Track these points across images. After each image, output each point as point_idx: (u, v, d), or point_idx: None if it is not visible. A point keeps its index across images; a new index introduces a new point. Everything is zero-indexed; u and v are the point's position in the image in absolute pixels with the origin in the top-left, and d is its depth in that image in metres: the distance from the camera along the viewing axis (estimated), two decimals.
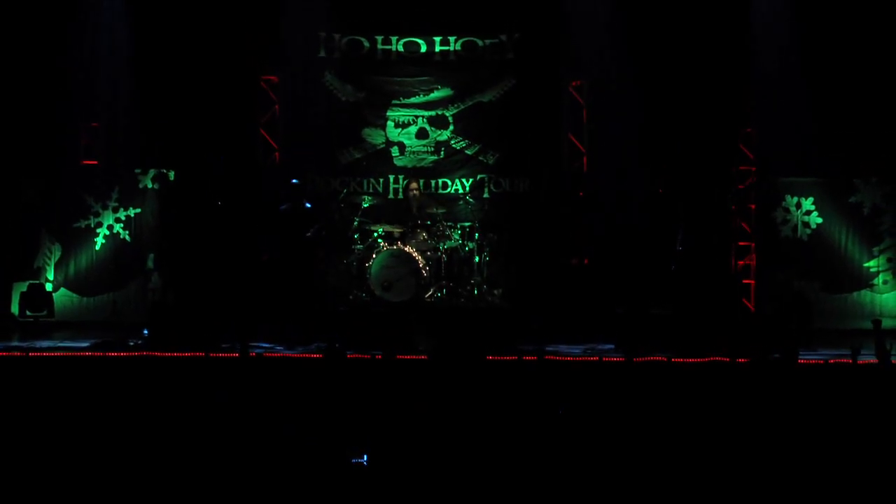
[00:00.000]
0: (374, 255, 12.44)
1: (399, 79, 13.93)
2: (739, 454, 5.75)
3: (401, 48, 13.87)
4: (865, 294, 13.26)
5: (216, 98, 13.10)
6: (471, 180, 13.88)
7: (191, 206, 13.11)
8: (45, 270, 13.38)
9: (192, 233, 13.02)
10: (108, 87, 13.36)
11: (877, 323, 9.48)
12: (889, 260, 13.25)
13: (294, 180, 12.17)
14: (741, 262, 13.58)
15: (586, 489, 5.42)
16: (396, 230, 12.86)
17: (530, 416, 6.25)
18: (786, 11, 13.08)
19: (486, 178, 13.84)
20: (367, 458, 5.48)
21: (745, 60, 13.18)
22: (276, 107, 13.88)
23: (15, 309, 12.99)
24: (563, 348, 11.20)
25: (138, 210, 13.51)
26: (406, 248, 12.47)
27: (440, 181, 13.91)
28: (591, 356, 10.66)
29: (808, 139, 12.95)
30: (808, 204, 13.36)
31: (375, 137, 13.95)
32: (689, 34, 12.99)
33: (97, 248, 13.47)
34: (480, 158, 13.93)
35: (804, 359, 9.59)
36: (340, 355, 8.45)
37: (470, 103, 13.91)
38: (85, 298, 13.45)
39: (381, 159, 13.92)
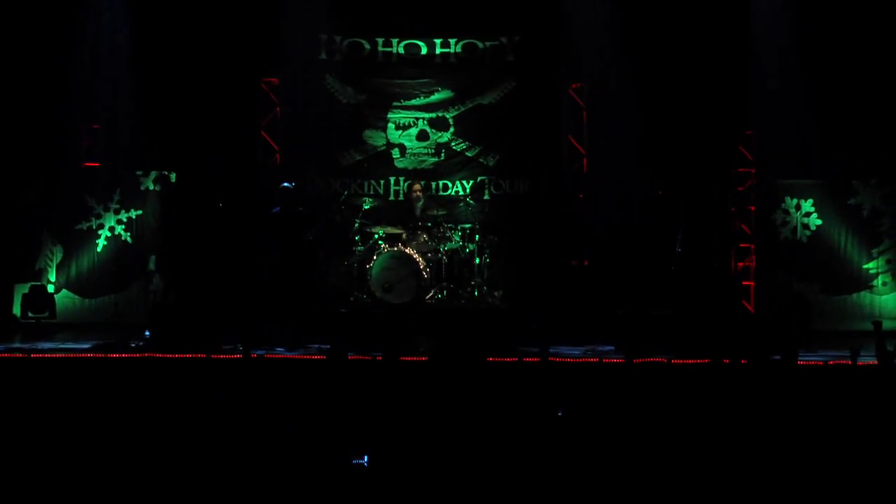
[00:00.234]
0: (374, 257, 12.46)
1: (400, 81, 13.93)
2: (740, 455, 5.76)
3: (401, 50, 13.88)
4: (865, 295, 13.26)
5: (217, 100, 13.11)
6: (471, 182, 13.89)
7: (192, 207, 13.15)
8: (47, 272, 13.41)
9: (194, 234, 13.05)
10: (108, 89, 13.37)
11: (877, 324, 9.45)
12: (888, 261, 13.25)
13: (285, 183, 11.94)
14: (741, 264, 13.58)
15: (587, 490, 5.44)
16: (397, 232, 12.87)
17: (530, 417, 6.26)
18: (786, 12, 13.07)
19: (486, 180, 13.86)
20: (368, 458, 5.50)
21: (745, 61, 13.17)
22: (277, 109, 13.89)
23: (17, 310, 13.02)
24: (564, 349, 11.20)
25: (139, 212, 13.54)
26: (407, 250, 12.48)
27: (441, 183, 13.92)
28: (591, 357, 10.67)
29: (807, 141, 12.94)
30: (807, 206, 13.38)
31: (376, 139, 13.97)
32: (688, 35, 12.98)
33: (99, 249, 13.50)
34: (481, 160, 13.94)
35: (804, 360, 9.59)
36: (342, 356, 8.47)
37: (470, 105, 13.92)
38: (86, 300, 13.48)
39: (381, 161, 13.93)
